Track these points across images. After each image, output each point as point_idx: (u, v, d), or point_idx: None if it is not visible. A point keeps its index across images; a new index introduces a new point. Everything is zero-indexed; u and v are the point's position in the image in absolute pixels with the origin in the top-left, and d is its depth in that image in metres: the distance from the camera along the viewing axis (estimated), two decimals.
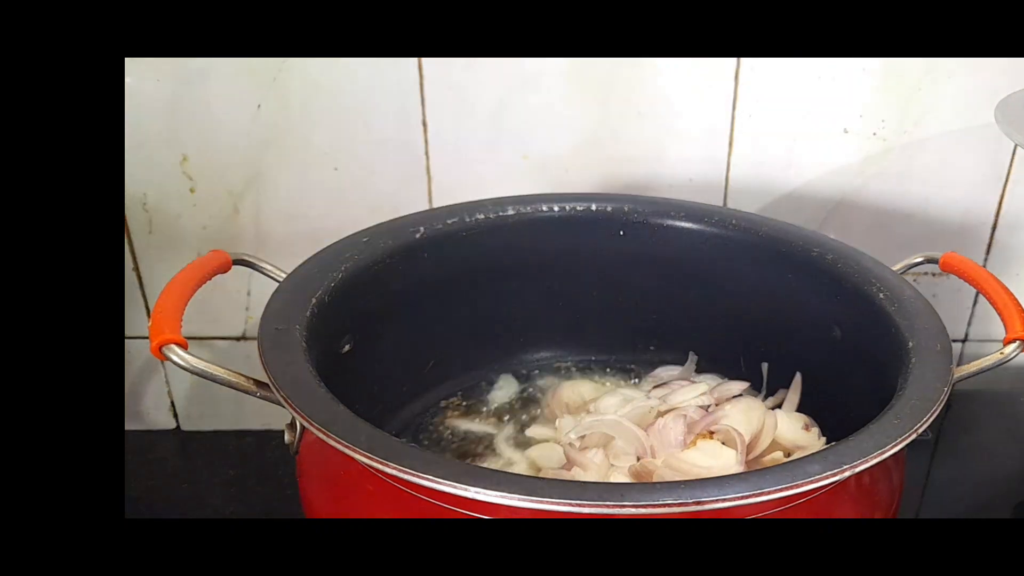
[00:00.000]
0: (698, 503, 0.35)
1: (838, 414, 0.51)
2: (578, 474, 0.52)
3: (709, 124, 0.67)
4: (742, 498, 0.36)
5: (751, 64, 0.64)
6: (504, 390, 0.63)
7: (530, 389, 0.64)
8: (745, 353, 0.62)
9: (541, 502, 0.35)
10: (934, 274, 0.73)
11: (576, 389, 0.61)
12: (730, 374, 0.62)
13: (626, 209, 0.61)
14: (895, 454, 0.39)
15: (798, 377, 0.59)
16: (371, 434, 0.38)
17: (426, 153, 0.66)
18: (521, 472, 0.55)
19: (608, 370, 0.65)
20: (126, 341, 0.71)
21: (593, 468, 0.52)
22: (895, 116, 0.67)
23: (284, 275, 0.52)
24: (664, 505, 0.35)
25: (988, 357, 0.48)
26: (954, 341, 0.76)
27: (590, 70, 0.64)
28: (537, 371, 0.65)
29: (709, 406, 0.56)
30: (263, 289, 0.52)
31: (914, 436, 0.40)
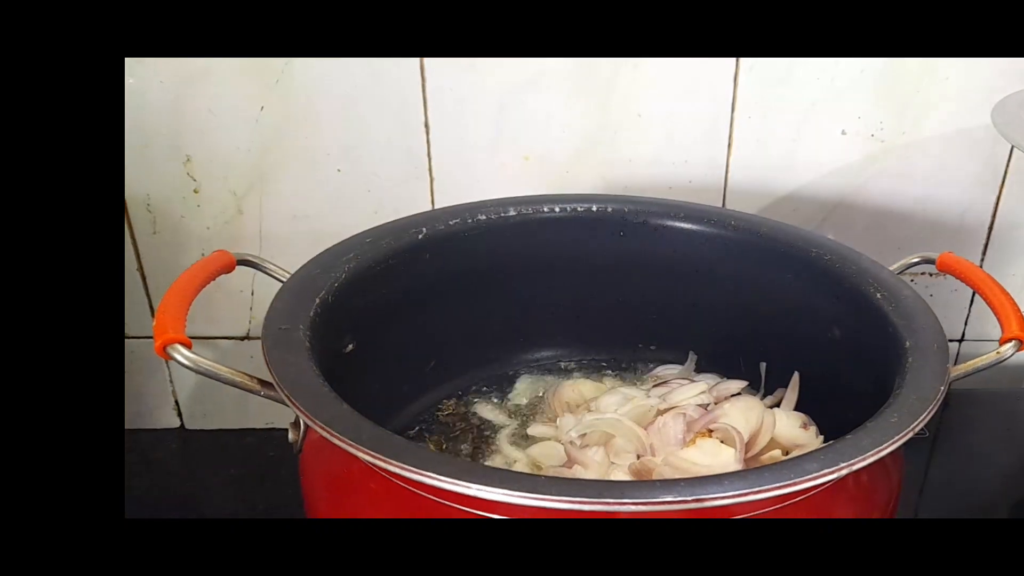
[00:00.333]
0: (697, 500, 0.36)
1: (836, 413, 0.52)
2: (579, 472, 0.52)
3: (708, 126, 0.67)
4: (741, 495, 0.36)
5: (750, 65, 0.65)
6: (521, 390, 0.64)
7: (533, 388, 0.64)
8: (744, 352, 0.62)
9: (542, 499, 0.35)
10: (931, 274, 0.73)
11: (577, 388, 0.61)
12: (729, 373, 0.62)
13: (626, 210, 0.61)
14: (892, 452, 0.39)
15: (796, 376, 0.59)
16: (374, 432, 0.39)
17: (428, 154, 0.66)
18: (522, 470, 0.55)
19: (608, 369, 0.66)
20: (130, 341, 0.71)
21: (594, 466, 0.52)
22: (893, 117, 0.67)
23: (287, 275, 0.52)
24: (664, 502, 0.36)
25: (985, 356, 0.48)
26: (951, 341, 0.77)
27: (591, 72, 0.64)
28: (538, 370, 0.66)
29: (708, 405, 0.56)
30: (266, 289, 0.53)
31: (911, 435, 0.40)
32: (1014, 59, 0.64)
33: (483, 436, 0.60)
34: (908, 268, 0.58)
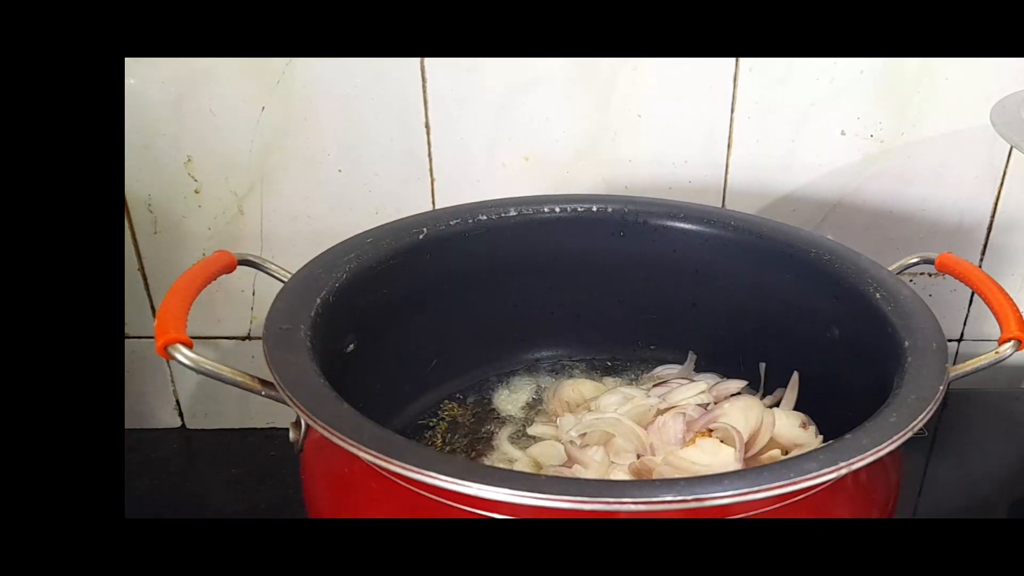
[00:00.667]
0: (697, 499, 0.36)
1: (835, 412, 0.52)
2: (579, 472, 0.52)
3: (708, 126, 0.67)
4: (740, 495, 0.36)
5: (749, 66, 0.65)
6: (521, 390, 0.64)
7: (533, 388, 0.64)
8: (743, 352, 0.62)
9: (542, 498, 0.35)
10: (930, 274, 0.73)
11: (577, 388, 0.62)
12: (729, 373, 0.62)
13: (626, 210, 0.61)
14: (891, 452, 0.39)
15: (796, 376, 0.59)
16: (375, 432, 0.39)
17: (429, 155, 0.67)
18: (522, 470, 0.55)
19: (608, 369, 0.66)
20: (131, 341, 0.71)
21: (594, 466, 0.52)
22: (892, 118, 0.67)
23: (289, 275, 0.52)
24: (664, 502, 0.36)
25: (983, 356, 0.48)
26: (950, 341, 0.77)
27: (591, 72, 0.65)
28: (538, 370, 0.66)
29: (708, 404, 0.57)
30: (267, 289, 0.53)
31: (910, 434, 0.40)
32: (1014, 59, 0.65)
33: (483, 436, 0.60)
34: (907, 268, 0.58)
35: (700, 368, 0.64)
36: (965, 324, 0.77)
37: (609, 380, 0.65)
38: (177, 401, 0.75)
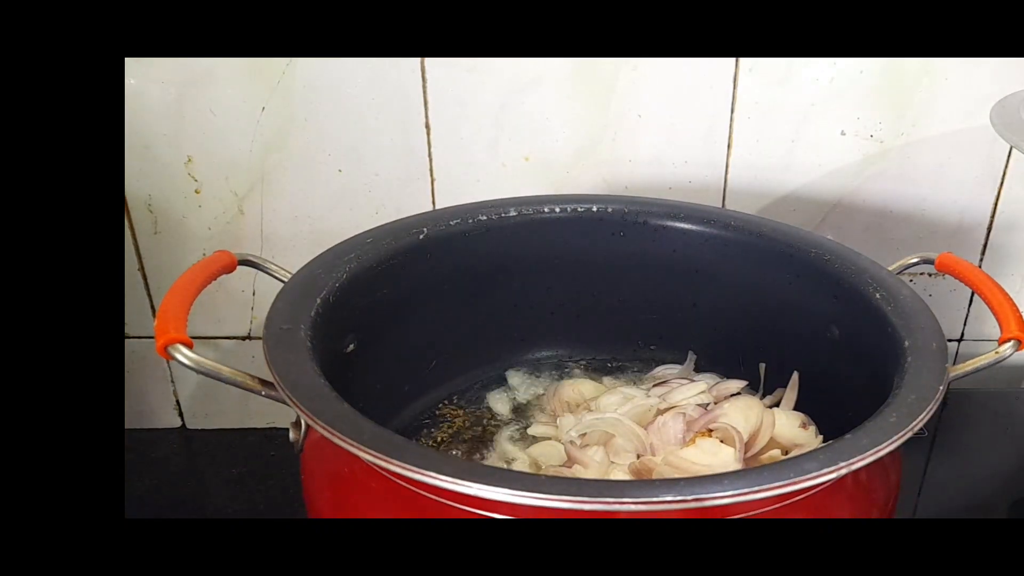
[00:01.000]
0: (697, 499, 0.36)
1: (835, 412, 0.52)
2: (579, 472, 0.52)
3: (708, 126, 0.67)
4: (741, 495, 0.36)
5: (749, 66, 0.65)
6: (521, 390, 0.64)
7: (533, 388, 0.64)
8: (743, 352, 0.62)
9: (542, 498, 0.35)
10: (930, 274, 0.73)
11: (577, 388, 0.62)
12: (729, 373, 0.62)
13: (626, 210, 0.61)
14: (891, 452, 0.39)
15: (795, 376, 0.59)
16: (375, 432, 0.39)
17: (429, 155, 0.67)
18: (522, 470, 0.55)
19: (608, 369, 0.66)
20: (131, 341, 0.71)
21: (594, 466, 0.52)
22: (892, 118, 0.67)
23: (289, 275, 0.52)
24: (664, 502, 0.36)
25: (983, 356, 0.48)
26: (950, 341, 0.77)
27: (591, 72, 0.65)
28: (538, 370, 0.66)
29: (708, 404, 0.57)
30: (268, 289, 0.53)
31: (910, 434, 0.40)
32: (1013, 59, 0.65)
33: (483, 436, 0.60)
34: (907, 268, 0.58)
35: (700, 368, 0.64)
36: (965, 324, 0.77)
37: (609, 380, 0.65)
38: (177, 401, 0.75)
